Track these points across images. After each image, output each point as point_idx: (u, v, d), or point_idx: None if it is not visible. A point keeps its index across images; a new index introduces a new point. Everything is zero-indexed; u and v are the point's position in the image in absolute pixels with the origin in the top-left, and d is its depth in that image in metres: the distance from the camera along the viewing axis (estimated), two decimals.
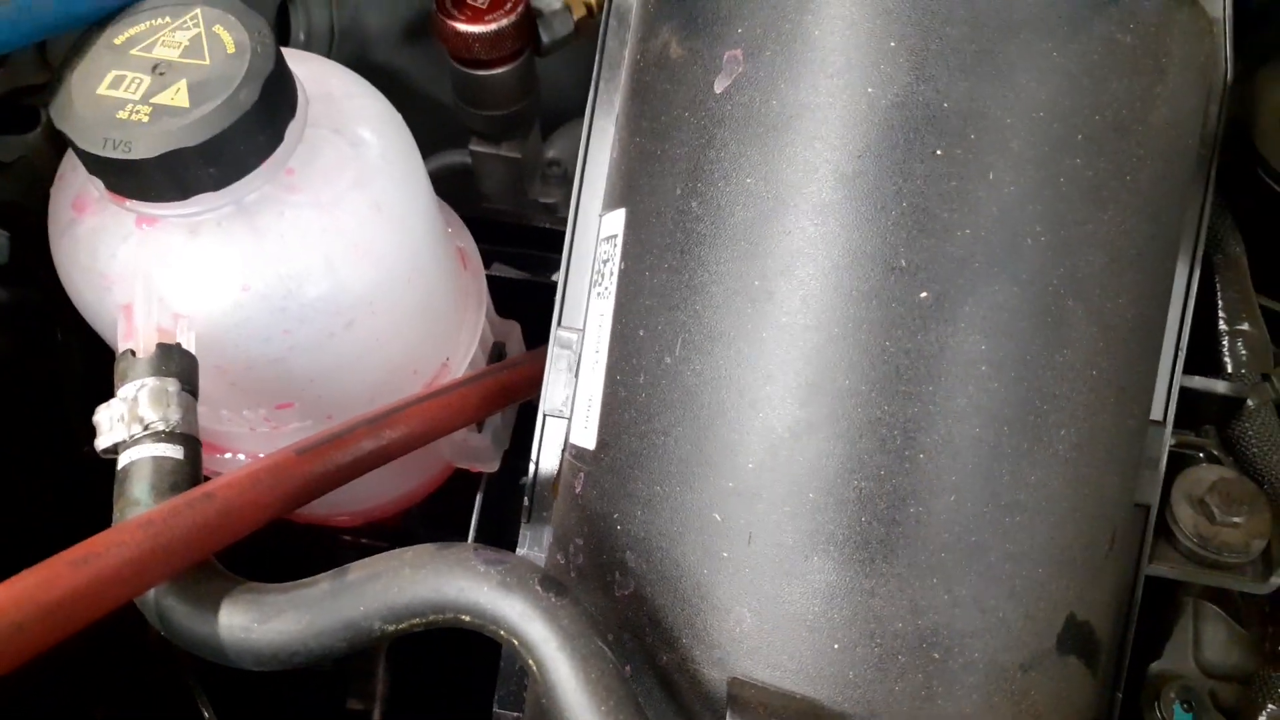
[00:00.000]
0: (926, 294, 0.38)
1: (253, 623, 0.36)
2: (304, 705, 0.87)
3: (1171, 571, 0.51)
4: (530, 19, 0.74)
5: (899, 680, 0.38)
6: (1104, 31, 0.39)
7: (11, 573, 0.34)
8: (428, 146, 0.89)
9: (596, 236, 0.49)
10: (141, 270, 0.44)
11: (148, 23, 0.43)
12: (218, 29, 0.43)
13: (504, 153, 0.83)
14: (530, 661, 0.36)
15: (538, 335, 0.71)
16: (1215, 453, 0.54)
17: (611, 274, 0.46)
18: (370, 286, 0.47)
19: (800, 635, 0.39)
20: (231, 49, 0.42)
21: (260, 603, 0.37)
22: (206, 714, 0.61)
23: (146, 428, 0.40)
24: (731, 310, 0.40)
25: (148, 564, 0.34)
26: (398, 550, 0.38)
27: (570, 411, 0.49)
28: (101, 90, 0.41)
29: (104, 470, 0.52)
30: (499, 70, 0.75)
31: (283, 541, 0.62)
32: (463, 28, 0.72)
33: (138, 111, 0.41)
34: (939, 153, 0.38)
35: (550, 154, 0.93)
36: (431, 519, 0.71)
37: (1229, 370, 0.55)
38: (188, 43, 0.42)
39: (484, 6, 0.73)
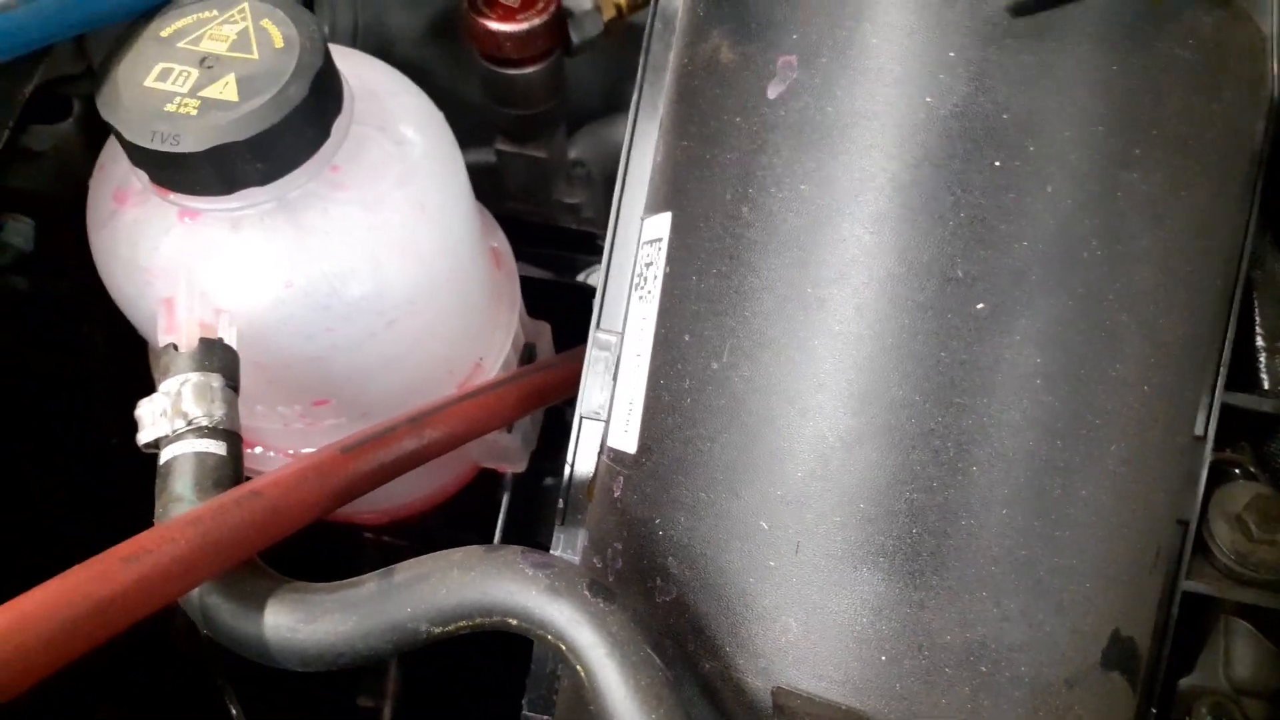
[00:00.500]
0: (983, 305, 0.38)
1: (299, 623, 0.36)
2: (315, 702, 0.87)
3: (1208, 588, 0.51)
4: (561, 19, 0.74)
5: (945, 693, 0.38)
6: (1165, 47, 0.39)
7: (37, 563, 0.33)
8: None
9: (638, 240, 0.49)
10: (184, 264, 0.43)
11: (194, 16, 0.43)
12: (265, 23, 0.42)
13: (530, 152, 0.82)
14: (578, 667, 0.36)
15: (563, 336, 0.71)
16: (1251, 469, 0.54)
17: (655, 278, 0.46)
18: (412, 285, 0.47)
19: (847, 646, 0.38)
20: (280, 43, 0.42)
21: (306, 603, 0.37)
22: (235, 711, 0.61)
23: (190, 423, 0.40)
24: (783, 317, 0.40)
25: (197, 561, 0.34)
26: (445, 552, 0.38)
27: (608, 414, 0.49)
28: (149, 83, 0.41)
29: (128, 463, 0.52)
30: (529, 70, 0.75)
31: (303, 538, 0.62)
32: (494, 26, 0.72)
33: (186, 105, 0.40)
34: (998, 164, 0.38)
35: (574, 154, 0.93)
36: (454, 518, 0.70)
37: (1266, 387, 0.55)
38: (235, 36, 0.42)
39: (516, 5, 0.73)
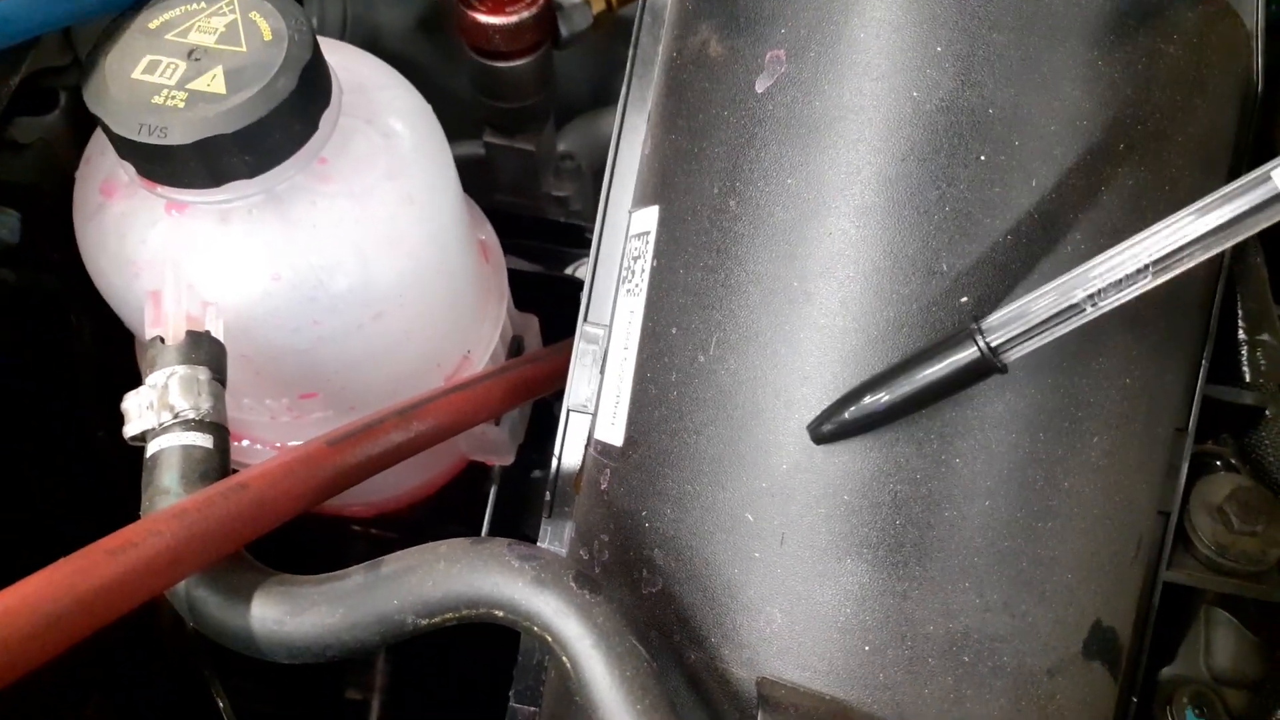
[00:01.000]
0: (967, 299, 0.38)
1: (286, 615, 0.36)
2: (304, 694, 0.87)
3: (1189, 579, 0.51)
4: (550, 12, 0.74)
5: (929, 683, 0.39)
6: (1148, 42, 0.39)
7: (23, 556, 0.33)
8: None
9: (626, 233, 0.49)
10: (171, 257, 0.43)
11: (182, 8, 0.43)
12: (254, 15, 0.42)
13: (518, 145, 0.82)
14: (564, 659, 0.36)
15: (551, 328, 0.71)
16: (1232, 461, 0.55)
17: (643, 271, 0.46)
18: (400, 278, 0.47)
19: (831, 636, 0.39)
20: (268, 36, 0.42)
21: (293, 595, 0.37)
22: (222, 704, 0.61)
23: (176, 416, 0.40)
24: (769, 310, 0.40)
25: (182, 554, 0.34)
26: (431, 544, 0.38)
27: (595, 407, 0.49)
28: (136, 75, 0.41)
29: (116, 456, 0.52)
30: (517, 62, 0.75)
31: (291, 531, 0.62)
32: (483, 19, 0.72)
33: (173, 97, 0.40)
34: (983, 158, 0.38)
35: (563, 147, 0.93)
36: (441, 510, 0.71)
37: (1247, 379, 0.56)
38: (224, 29, 0.42)
39: None
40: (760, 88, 0.42)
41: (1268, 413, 0.54)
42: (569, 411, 0.50)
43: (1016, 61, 0.38)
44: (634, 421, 0.45)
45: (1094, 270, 0.35)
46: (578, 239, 0.84)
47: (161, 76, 0.41)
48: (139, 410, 0.40)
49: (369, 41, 0.97)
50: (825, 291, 0.39)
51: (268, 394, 0.49)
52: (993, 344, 0.36)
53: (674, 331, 0.44)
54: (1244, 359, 0.57)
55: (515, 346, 0.61)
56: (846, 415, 0.38)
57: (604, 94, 0.97)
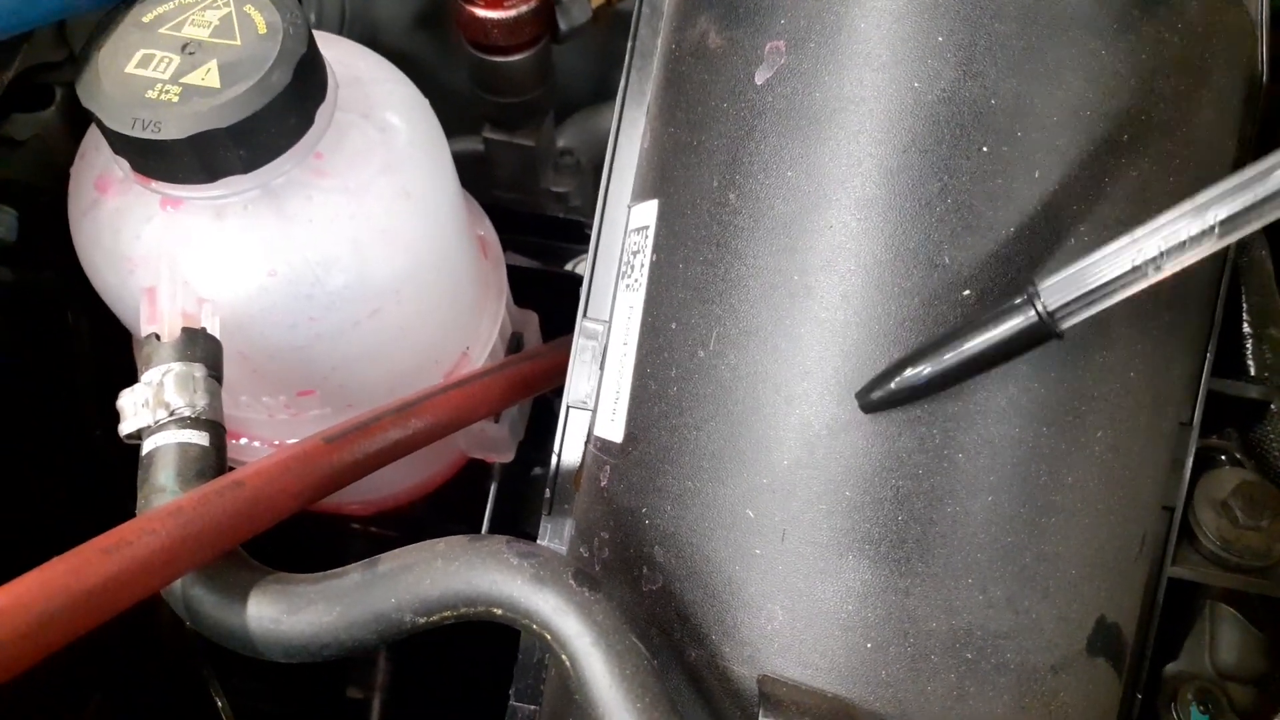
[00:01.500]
0: (969, 292, 0.38)
1: (282, 614, 0.36)
2: (304, 694, 0.87)
3: (1194, 574, 0.51)
4: (549, 6, 0.73)
5: (931, 680, 0.38)
6: (1152, 32, 0.39)
7: (21, 555, 0.33)
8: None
9: (625, 228, 0.49)
10: (166, 253, 0.43)
11: (177, 1, 0.42)
12: (248, 9, 0.42)
13: (518, 140, 0.82)
14: (563, 656, 0.36)
15: (551, 324, 0.70)
16: (1237, 455, 0.54)
17: (642, 266, 0.46)
18: (397, 274, 0.47)
19: (833, 633, 0.38)
20: (263, 29, 0.41)
21: (290, 594, 0.36)
22: (220, 703, 0.60)
23: (172, 413, 0.39)
24: (769, 304, 0.40)
25: (178, 553, 0.34)
26: (428, 542, 0.37)
27: (595, 403, 0.49)
28: (130, 69, 0.40)
29: (114, 454, 0.51)
30: (516, 57, 0.75)
31: (290, 529, 0.62)
32: (482, 13, 0.71)
33: (167, 91, 0.40)
34: (985, 149, 0.38)
35: (562, 143, 0.92)
36: (441, 508, 0.70)
37: (1252, 373, 0.55)
38: (218, 22, 0.42)
39: None
40: (760, 79, 0.41)
41: (1273, 406, 0.54)
42: (568, 408, 0.50)
43: (1019, 51, 0.38)
44: (634, 418, 0.45)
45: (1159, 230, 0.34)
46: (577, 234, 0.84)
47: (155, 71, 0.40)
48: (134, 408, 0.40)
49: (368, 36, 0.96)
50: (826, 285, 0.39)
51: (265, 391, 0.49)
52: (1050, 308, 0.35)
53: (674, 326, 0.43)
54: (1249, 352, 0.56)
55: (514, 343, 0.61)
56: (894, 384, 0.37)
57: (604, 89, 0.96)
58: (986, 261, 0.38)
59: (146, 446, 0.39)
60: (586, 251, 0.52)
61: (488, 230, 0.60)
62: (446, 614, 0.37)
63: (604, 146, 0.51)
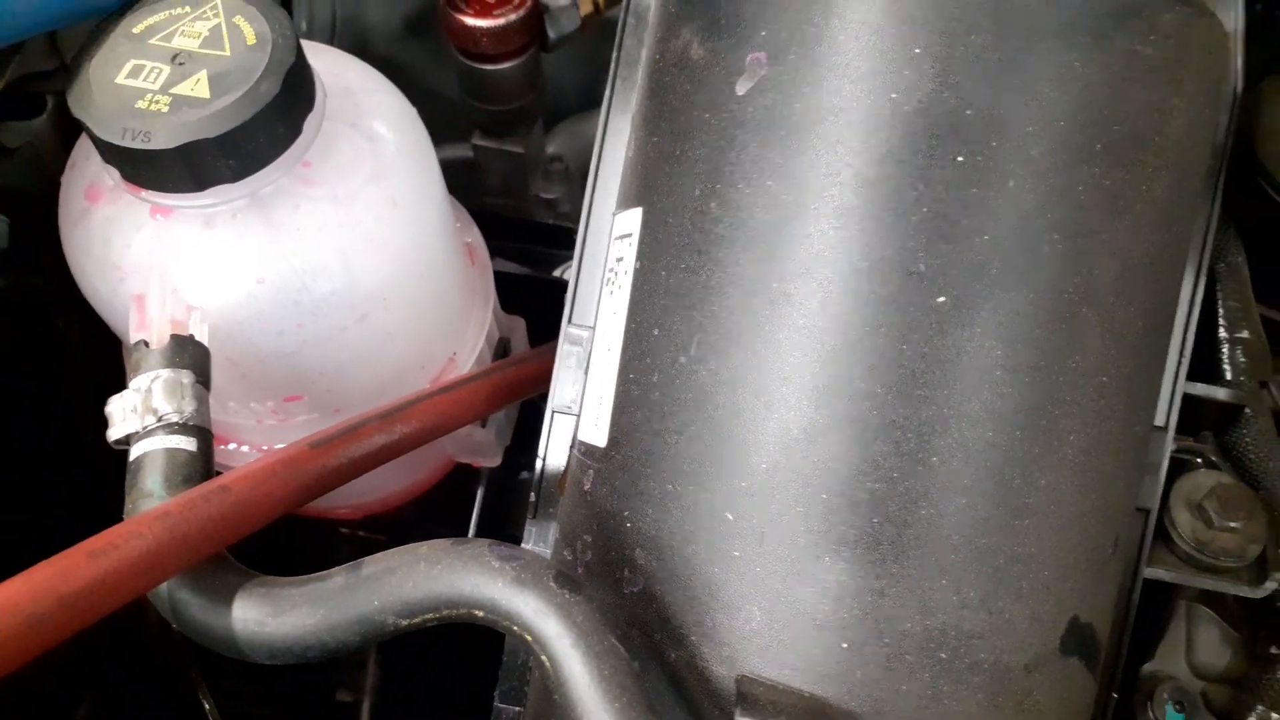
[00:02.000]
0: (944, 299, 0.38)
1: (267, 617, 0.36)
2: (294, 696, 0.87)
3: (1169, 575, 0.52)
4: (538, 14, 0.74)
5: (906, 680, 0.39)
6: (1125, 44, 0.40)
7: (12, 559, 0.34)
8: (433, 139, 0.89)
9: (609, 235, 0.50)
10: (155, 261, 0.44)
11: (167, 12, 0.43)
12: (238, 20, 0.42)
13: (507, 147, 0.83)
14: (543, 657, 0.36)
15: (539, 330, 0.71)
16: (1213, 458, 0.55)
17: (626, 273, 0.46)
18: (384, 281, 0.47)
19: (809, 634, 0.39)
20: (252, 40, 0.42)
21: (275, 596, 0.37)
22: (207, 705, 0.61)
23: (160, 419, 0.40)
24: (749, 312, 0.41)
25: (164, 556, 0.34)
26: (411, 545, 0.38)
27: (579, 408, 0.49)
28: (120, 79, 0.41)
29: (106, 460, 0.52)
30: (505, 65, 0.75)
31: (279, 533, 0.62)
32: (471, 22, 0.72)
33: (157, 101, 0.40)
34: (960, 159, 0.38)
35: (551, 150, 0.93)
36: (429, 512, 0.71)
37: (1228, 377, 0.56)
38: (208, 33, 0.42)
39: (493, 1, 0.73)
40: (741, 90, 0.42)
41: (1248, 410, 0.55)
42: (554, 413, 0.51)
43: (994, 63, 0.39)
44: (617, 422, 0.45)
45: None
46: (566, 241, 0.84)
47: (145, 81, 0.41)
48: (123, 414, 0.41)
49: (359, 43, 0.97)
50: (804, 292, 0.40)
51: (253, 397, 0.50)
52: None
53: (656, 333, 0.44)
54: (1225, 357, 0.57)
55: (501, 349, 0.61)
56: None
57: (592, 96, 0.97)
58: (961, 269, 0.39)
59: (135, 452, 0.40)
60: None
61: (475, 237, 0.61)
62: (429, 616, 0.37)
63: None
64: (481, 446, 0.61)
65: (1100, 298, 0.40)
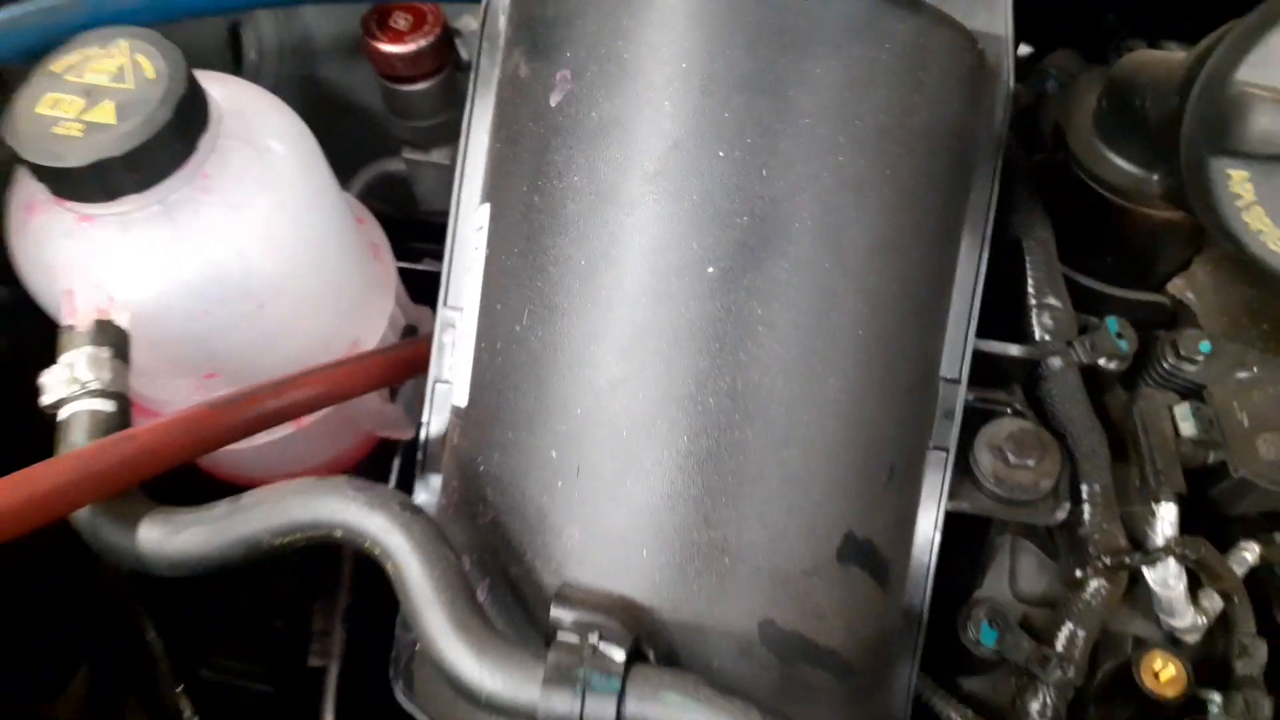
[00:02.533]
0: (713, 269, 0.47)
1: (165, 537, 0.45)
2: (265, 663, 0.95)
3: (971, 508, 0.60)
4: (449, 38, 0.83)
5: (696, 581, 0.47)
6: (862, 51, 0.48)
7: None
8: (370, 154, 0.98)
9: (472, 228, 0.58)
10: (81, 261, 0.52)
11: (81, 53, 0.52)
12: (140, 58, 0.51)
13: (434, 159, 0.91)
14: (389, 565, 0.45)
15: None
16: (1019, 408, 0.63)
17: (480, 259, 0.55)
18: (278, 274, 0.56)
19: (617, 547, 0.47)
20: (151, 75, 0.51)
21: (172, 521, 0.46)
22: (155, 645, 0.69)
23: (84, 386, 0.49)
24: (564, 286, 0.49)
25: (80, 487, 0.43)
26: (284, 482, 0.47)
27: (454, 378, 0.58)
28: (41, 110, 0.50)
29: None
30: (421, 85, 0.84)
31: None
32: (385, 48, 0.81)
33: (72, 128, 0.49)
34: (722, 154, 0.47)
35: None
36: None
37: (1036, 338, 0.64)
38: (115, 70, 0.51)
39: (406, 29, 0.82)
40: (553, 102, 0.50)
41: (1052, 365, 0.62)
42: (434, 383, 0.59)
43: (747, 73, 0.47)
44: (474, 385, 0.54)
45: None
46: None
47: (62, 111, 0.50)
48: (53, 384, 0.49)
49: (306, 67, 1.06)
50: (605, 269, 0.48)
51: (177, 375, 0.58)
52: None
53: (499, 308, 0.52)
54: (1033, 320, 0.65)
55: (408, 335, 0.70)
56: None
57: None
58: (727, 245, 0.47)
59: (63, 414, 0.49)
60: None
61: (380, 237, 0.69)
62: (297, 536, 0.46)
63: None
64: (392, 420, 0.69)
65: (852, 267, 0.48)
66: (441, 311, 0.59)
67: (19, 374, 0.64)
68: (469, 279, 0.57)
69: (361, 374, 0.58)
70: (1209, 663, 0.62)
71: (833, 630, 0.50)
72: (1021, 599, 0.64)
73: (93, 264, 0.52)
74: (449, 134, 0.90)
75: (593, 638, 0.43)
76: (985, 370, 0.62)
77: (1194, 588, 0.61)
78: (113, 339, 0.51)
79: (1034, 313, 0.64)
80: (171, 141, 0.50)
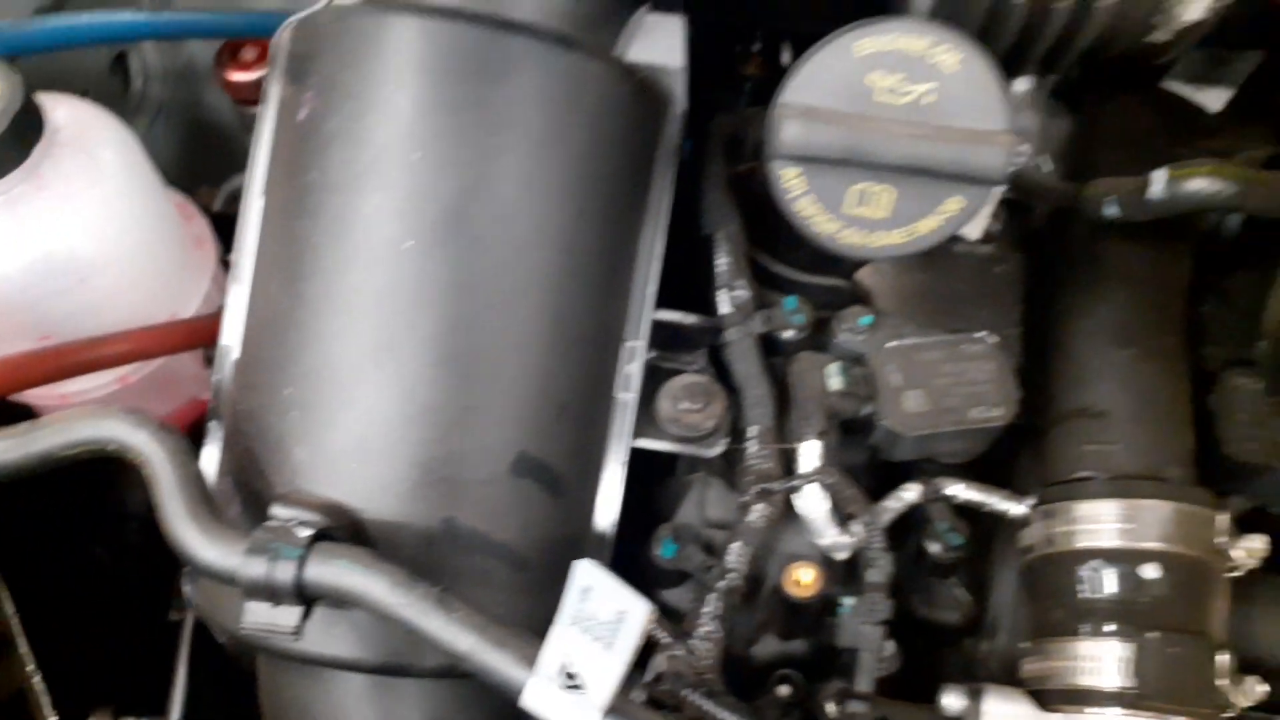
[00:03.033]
0: (411, 243, 0.61)
1: None
2: (123, 614, 1.05)
3: (650, 444, 0.75)
4: None
5: (393, 487, 0.60)
6: (529, 81, 0.63)
7: None
8: (238, 165, 1.13)
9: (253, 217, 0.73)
10: None
11: None
12: None
13: None
14: (147, 470, 0.60)
15: None
16: (700, 368, 0.79)
17: (254, 242, 0.70)
18: (98, 255, 0.71)
19: (333, 463, 0.62)
20: None
21: None
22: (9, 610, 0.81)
23: None
24: (304, 260, 0.64)
25: None
26: (74, 409, 0.62)
27: (232, 341, 0.73)
28: None
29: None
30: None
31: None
32: (233, 77, 0.96)
33: None
34: (417, 157, 0.62)
35: None
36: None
37: (725, 312, 0.79)
38: None
39: (253, 60, 0.98)
40: (301, 117, 0.66)
41: (731, 334, 0.78)
42: (222, 346, 0.74)
43: (439, 98, 0.62)
44: (243, 344, 0.69)
45: None
46: None
47: None
48: None
49: (192, 91, 1.20)
50: (332, 246, 0.63)
51: (18, 337, 0.73)
52: None
53: (262, 280, 0.68)
54: (724, 300, 0.80)
55: None
56: None
57: None
58: (422, 226, 0.61)
59: None
60: None
61: (202, 230, 0.85)
62: (80, 450, 0.60)
63: None
64: None
65: (522, 245, 0.63)
66: (230, 288, 0.74)
67: None
68: (245, 259, 0.72)
69: (165, 337, 0.74)
70: (855, 576, 0.77)
71: (507, 528, 0.65)
72: (710, 525, 0.80)
73: None
74: None
75: (292, 524, 0.58)
76: (676, 338, 0.78)
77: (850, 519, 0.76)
78: None
79: (722, 292, 0.80)
80: (8, 148, 0.65)
